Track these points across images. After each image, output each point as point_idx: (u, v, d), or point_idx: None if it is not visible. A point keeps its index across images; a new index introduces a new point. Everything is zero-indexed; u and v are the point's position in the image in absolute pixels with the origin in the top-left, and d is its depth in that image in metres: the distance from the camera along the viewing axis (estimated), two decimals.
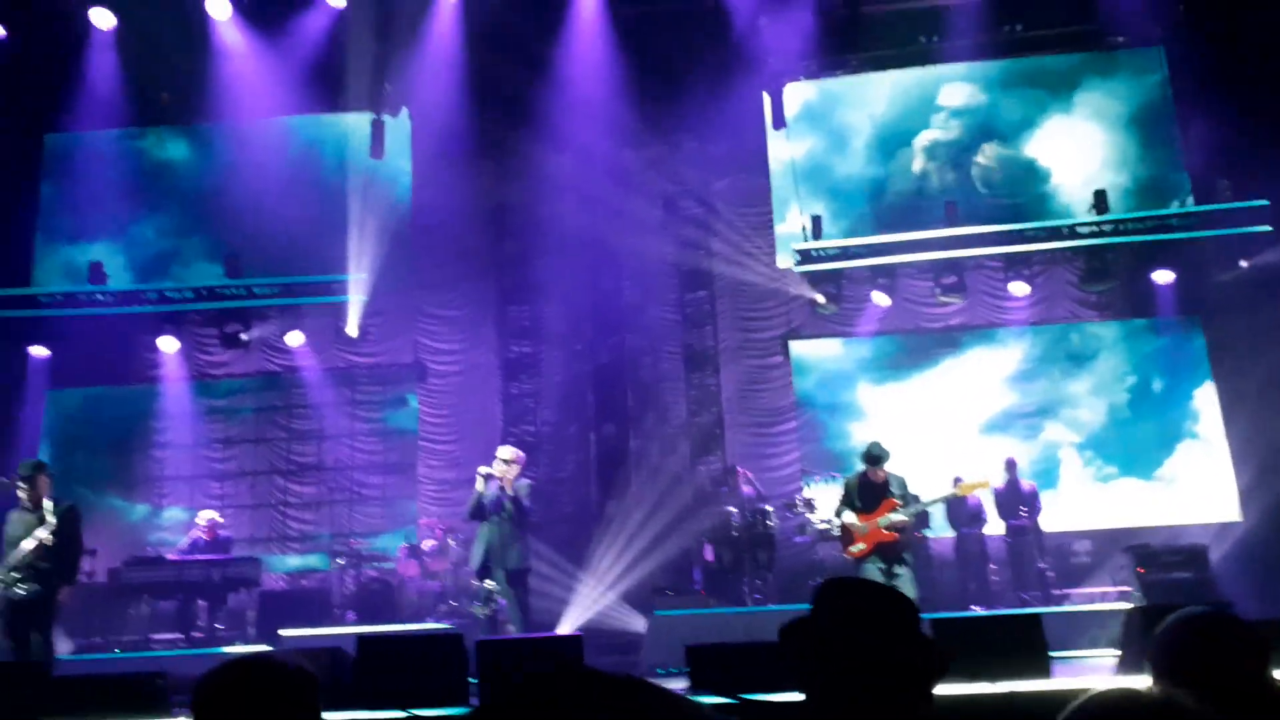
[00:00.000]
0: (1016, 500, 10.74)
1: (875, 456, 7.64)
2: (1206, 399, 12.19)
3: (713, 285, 13.22)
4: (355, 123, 13.12)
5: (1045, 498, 10.94)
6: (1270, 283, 10.83)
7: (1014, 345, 12.65)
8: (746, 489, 10.99)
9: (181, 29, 11.77)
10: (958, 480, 9.56)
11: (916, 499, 7.80)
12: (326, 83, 12.67)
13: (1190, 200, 12.02)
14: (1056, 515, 11.17)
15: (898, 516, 7.45)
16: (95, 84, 12.13)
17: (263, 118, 12.87)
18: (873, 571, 7.37)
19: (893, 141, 13.15)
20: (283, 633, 9.66)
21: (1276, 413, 10.79)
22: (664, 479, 12.18)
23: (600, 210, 12.52)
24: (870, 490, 7.63)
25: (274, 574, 12.33)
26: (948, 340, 12.77)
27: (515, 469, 8.08)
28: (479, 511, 8.09)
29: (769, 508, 10.68)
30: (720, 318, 13.17)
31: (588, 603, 10.52)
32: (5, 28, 11.65)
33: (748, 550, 10.39)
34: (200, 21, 11.62)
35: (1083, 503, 11.98)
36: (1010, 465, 10.94)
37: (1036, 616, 6.28)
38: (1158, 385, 12.43)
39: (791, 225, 12.65)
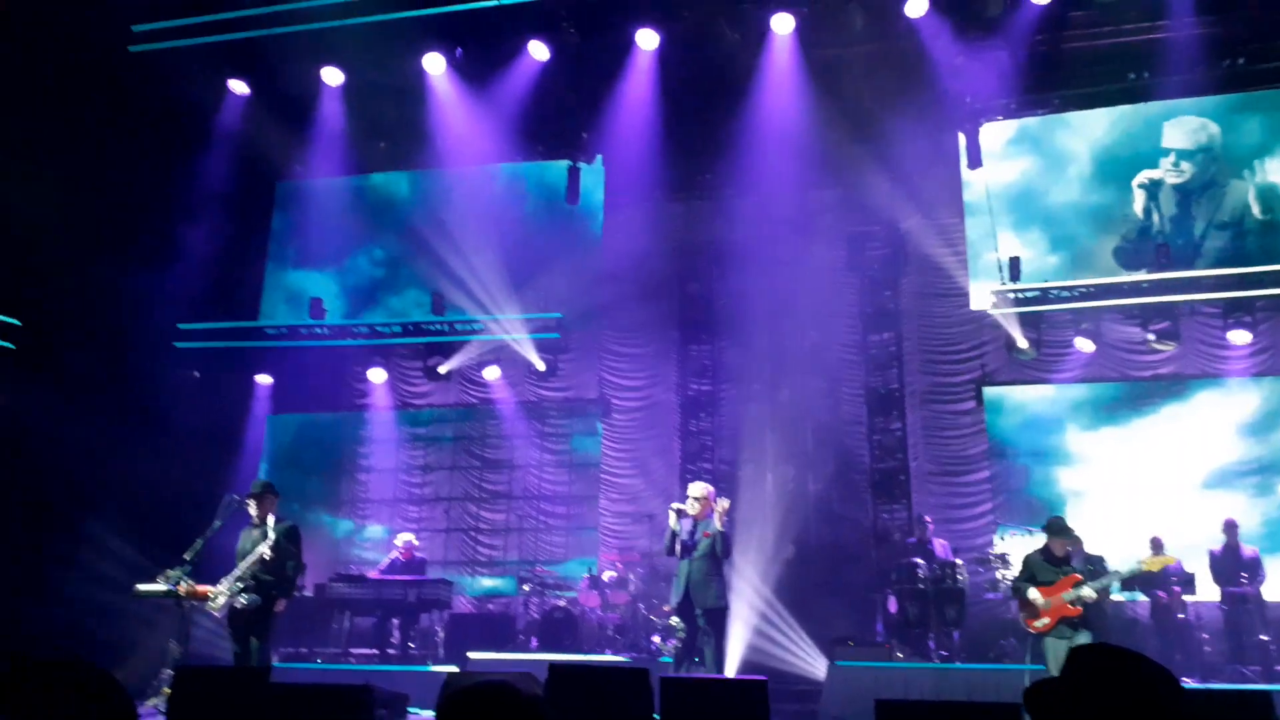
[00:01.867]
0: (1236, 565, 9.92)
1: (1058, 529, 7.69)
2: None
3: (899, 327, 12.95)
4: (553, 170, 13.72)
5: (1273, 563, 10.04)
6: None
7: (1246, 393, 11.72)
8: (938, 541, 10.61)
9: (400, 83, 12.64)
10: (1153, 549, 9.08)
11: (1103, 569, 7.85)
12: (529, 132, 13.32)
13: None
14: None
15: (1085, 591, 7.44)
16: (323, 134, 13.18)
17: (471, 165, 13.65)
18: (1055, 642, 7.38)
19: (1109, 175, 12.51)
20: (471, 655, 10.02)
21: None
22: (846, 525, 11.94)
23: (784, 251, 12.56)
24: (1052, 564, 7.65)
25: (463, 597, 12.86)
26: (1173, 386, 11.99)
27: (707, 505, 8.07)
28: (674, 548, 8.11)
29: (959, 561, 10.28)
30: (907, 360, 12.87)
31: (768, 646, 10.40)
32: (248, 84, 12.85)
33: (934, 604, 10.01)
34: (417, 75, 12.44)
35: None
36: (1230, 527, 10.15)
37: (1269, 694, 5.78)
38: None
39: (990, 267, 12.25)
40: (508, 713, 2.03)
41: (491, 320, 13.16)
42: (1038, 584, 7.64)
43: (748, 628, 10.83)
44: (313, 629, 11.21)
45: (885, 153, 12.18)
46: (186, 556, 7.82)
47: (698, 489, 8.17)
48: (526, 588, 11.91)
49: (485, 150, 13.36)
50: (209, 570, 7.97)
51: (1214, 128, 12.24)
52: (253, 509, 8.06)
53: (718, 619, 7.94)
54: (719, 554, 7.92)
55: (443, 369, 13.37)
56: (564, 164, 13.54)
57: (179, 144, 12.84)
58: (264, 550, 7.79)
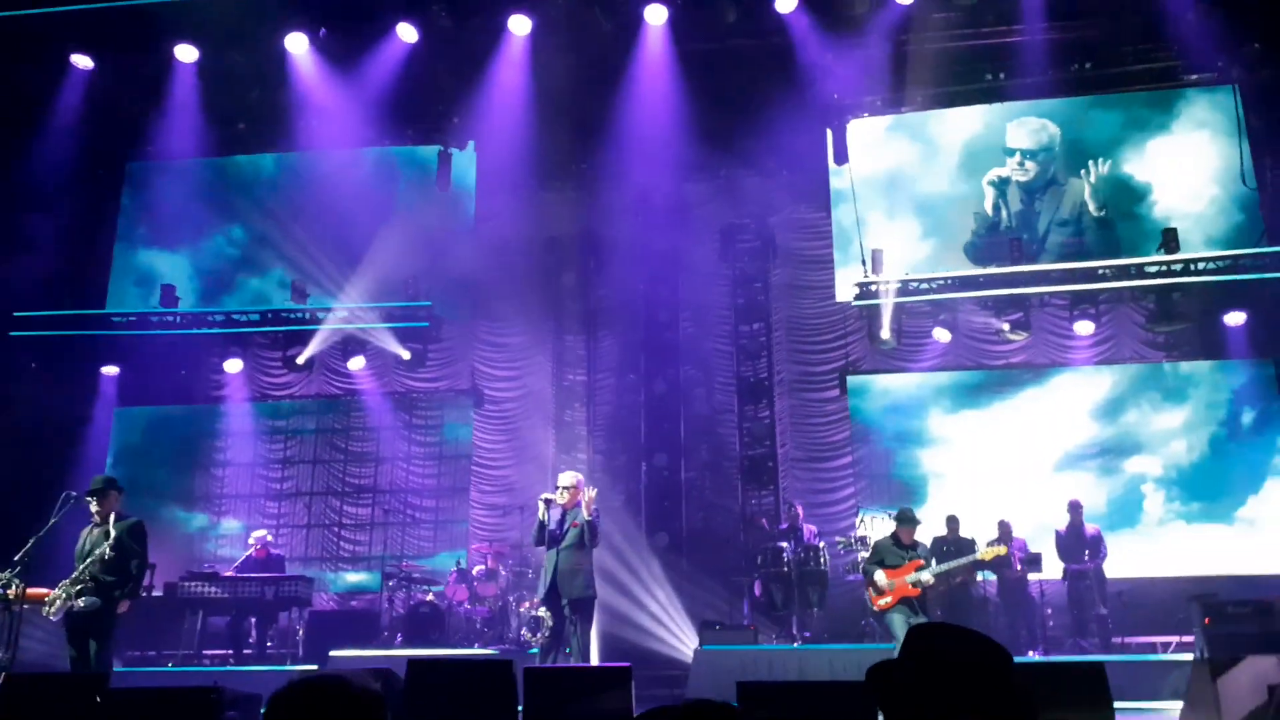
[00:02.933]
0: (1079, 544, 10.47)
1: (906, 519, 8.50)
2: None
3: (769, 317, 13.21)
4: (423, 154, 13.40)
5: (1123, 538, 10.67)
6: None
7: (1097, 379, 12.36)
8: (807, 526, 10.87)
9: (260, 62, 12.13)
10: (999, 530, 9.95)
11: (970, 551, 8.79)
12: (397, 116, 13.00)
13: (1264, 240, 11.67)
14: (1126, 559, 10.87)
15: (924, 576, 8.18)
16: (176, 113, 12.53)
17: (337, 147, 13.22)
18: (898, 619, 8.08)
19: (973, 169, 12.98)
20: (332, 653, 9.73)
21: None
22: (717, 512, 12.11)
23: (659, 242, 12.63)
24: (900, 549, 8.38)
25: (325, 594, 12.48)
26: (1028, 372, 12.56)
27: (576, 494, 8.03)
28: (542, 538, 8.04)
29: (821, 544, 10.54)
30: (776, 350, 13.12)
31: (636, 633, 10.45)
32: (93, 59, 12.11)
33: (798, 587, 10.25)
34: (278, 55, 11.96)
35: (1155, 548, 11.64)
36: (1074, 507, 10.71)
37: (1101, 665, 6.07)
38: (1241, 426, 12.01)
39: (853, 259, 12.58)
40: (337, 707, 1.95)
41: (356, 308, 12.76)
42: (885, 567, 8.31)
43: (621, 615, 10.88)
44: (163, 630, 10.74)
45: (756, 146, 12.39)
46: (16, 558, 7.31)
47: (567, 478, 8.12)
48: (392, 583, 11.62)
49: (352, 133, 12.98)
50: (50, 573, 7.50)
51: (1054, 128, 12.87)
52: (94, 506, 7.60)
53: (585, 609, 7.90)
54: (587, 543, 7.88)
55: (300, 358, 12.88)
56: (434, 149, 13.23)
57: (15, 122, 12.00)
58: (104, 549, 7.36)
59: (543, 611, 8.24)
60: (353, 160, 13.57)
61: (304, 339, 12.89)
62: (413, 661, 6.37)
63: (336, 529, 13.21)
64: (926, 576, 8.16)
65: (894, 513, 8.82)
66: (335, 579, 12.92)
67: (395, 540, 13.02)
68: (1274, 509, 11.56)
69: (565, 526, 7.92)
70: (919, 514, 8.82)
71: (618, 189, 12.64)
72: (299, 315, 12.92)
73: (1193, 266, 11.70)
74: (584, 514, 7.83)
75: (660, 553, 11.72)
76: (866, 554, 10.50)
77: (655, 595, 11.18)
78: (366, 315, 12.77)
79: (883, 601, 8.23)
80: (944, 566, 8.50)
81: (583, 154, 12.96)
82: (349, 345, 12.97)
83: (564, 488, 8.01)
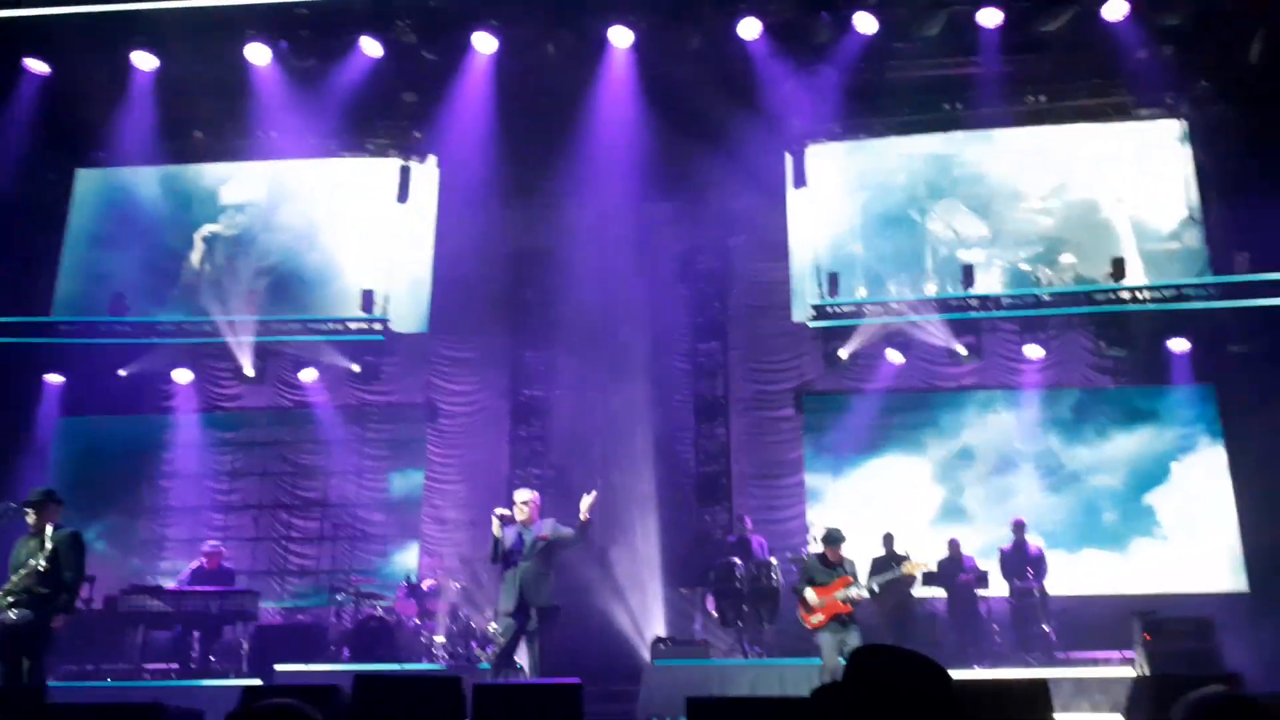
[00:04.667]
0: (1023, 562, 10.65)
1: (832, 539, 8.56)
2: (1218, 468, 12.07)
3: (726, 337, 13.30)
4: (385, 168, 13.33)
5: (1066, 556, 10.92)
6: None
7: (1029, 406, 12.57)
8: (755, 539, 10.91)
9: (220, 72, 12.02)
10: (880, 563, 9.98)
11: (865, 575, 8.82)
12: (358, 129, 12.97)
13: (1209, 271, 11.98)
14: (1064, 578, 11.04)
15: (854, 592, 8.31)
16: (132, 120, 12.37)
17: (295, 158, 13.11)
18: (827, 637, 8.23)
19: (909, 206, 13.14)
20: (278, 667, 9.56)
21: None
22: (671, 528, 12.13)
23: (618, 261, 12.66)
24: (828, 567, 8.47)
25: (271, 608, 12.27)
26: (963, 397, 12.81)
27: (534, 510, 8.01)
28: (498, 555, 7.98)
29: (774, 560, 10.59)
30: (733, 369, 13.21)
31: (588, 648, 10.38)
32: (49, 64, 11.95)
33: (750, 602, 10.27)
34: (239, 66, 11.87)
35: (1088, 566, 11.85)
36: (1018, 526, 10.90)
37: (1044, 681, 6.16)
38: (1169, 450, 12.29)
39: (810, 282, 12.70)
40: None
41: (311, 320, 12.64)
42: (815, 585, 8.41)
43: (573, 630, 10.81)
44: (103, 645, 10.42)
45: (717, 169, 12.48)
46: None
47: (524, 494, 8.12)
48: (340, 597, 11.44)
49: (312, 144, 12.92)
50: None
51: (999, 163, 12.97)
52: (31, 518, 7.43)
53: (553, 616, 7.90)
54: (569, 547, 8.00)
55: (249, 370, 12.69)
56: (396, 162, 13.19)
57: None
58: (39, 561, 7.19)
59: (494, 627, 8.17)
60: (313, 172, 13.47)
61: (258, 351, 12.72)
62: (359, 676, 6.27)
63: (284, 542, 12.99)
64: (855, 592, 8.29)
65: (821, 534, 8.85)
66: (282, 593, 12.69)
67: (344, 554, 12.82)
68: (1211, 530, 11.81)
69: (525, 542, 7.87)
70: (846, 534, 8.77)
71: (579, 207, 12.67)
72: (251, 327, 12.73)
73: (1139, 295, 11.98)
74: (582, 515, 7.82)
75: (616, 568, 11.70)
76: None
77: (607, 610, 11.12)
78: (321, 328, 12.64)
79: (814, 620, 8.33)
80: (870, 581, 8.65)
81: (545, 172, 12.97)
82: (301, 357, 12.83)
83: (523, 503, 8.00)
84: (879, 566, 9.72)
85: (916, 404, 12.89)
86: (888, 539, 10.72)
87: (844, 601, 8.25)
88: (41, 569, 7.18)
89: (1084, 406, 12.64)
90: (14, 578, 7.21)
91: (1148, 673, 8.39)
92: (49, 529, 7.34)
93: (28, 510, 7.44)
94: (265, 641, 10.48)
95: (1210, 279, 11.81)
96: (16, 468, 12.12)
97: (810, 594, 8.36)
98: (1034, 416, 12.55)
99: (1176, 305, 11.78)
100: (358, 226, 13.27)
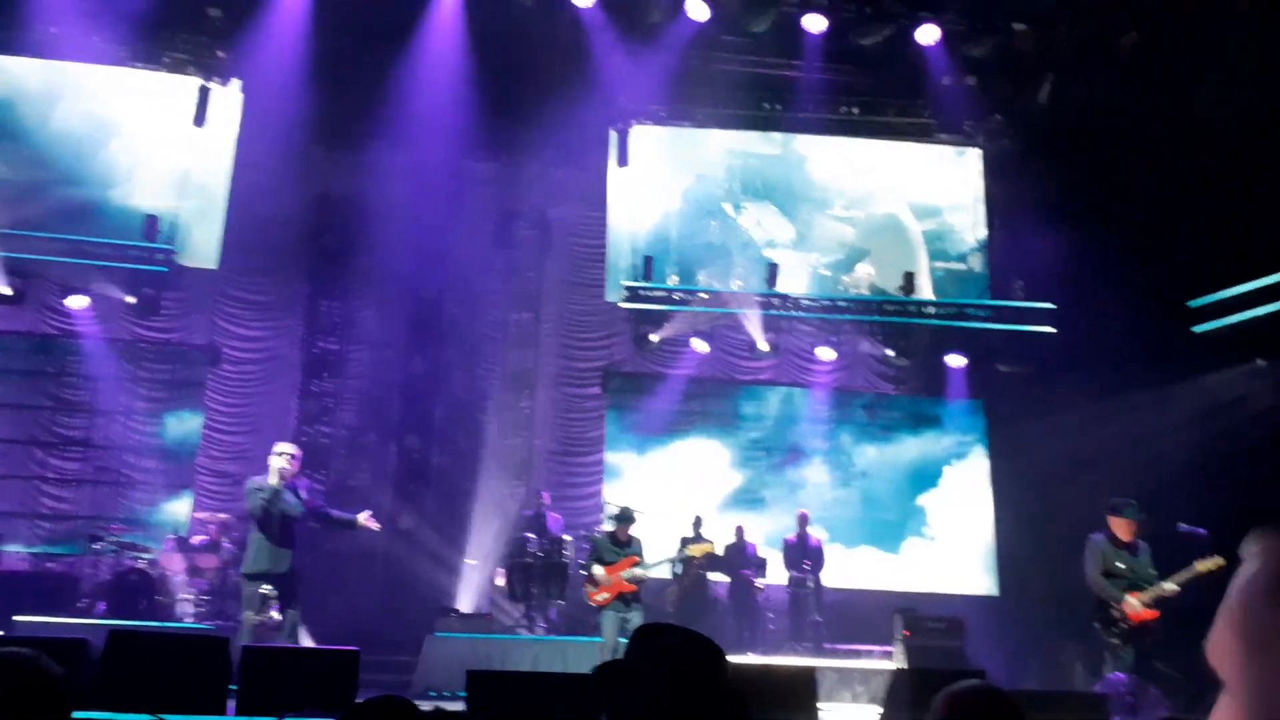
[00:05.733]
0: (803, 553, 11.20)
1: (622, 517, 8.71)
2: (982, 477, 13.18)
3: (539, 309, 13.17)
4: (183, 86, 12.28)
5: (834, 553, 11.53)
6: (1047, 378, 11.82)
7: (825, 403, 13.27)
8: (552, 515, 10.92)
9: None
10: (686, 542, 10.39)
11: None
12: (156, 38, 11.86)
13: (988, 294, 12.97)
14: (839, 572, 11.73)
15: (639, 572, 8.47)
16: None
17: (79, 60, 11.86)
18: (610, 615, 8.36)
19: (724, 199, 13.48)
20: (18, 618, 8.74)
21: (1039, 498, 11.75)
22: (468, 499, 11.93)
23: (432, 216, 12.26)
24: (616, 546, 8.59)
25: (19, 552, 11.18)
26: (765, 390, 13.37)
27: (294, 466, 7.62)
28: (263, 510, 7.53)
29: (568, 537, 10.65)
30: (544, 342, 13.12)
31: (368, 616, 10.11)
32: None
33: (540, 578, 10.30)
34: None
35: (863, 562, 12.68)
36: (802, 519, 11.43)
37: (812, 670, 6.54)
38: (944, 456, 13.30)
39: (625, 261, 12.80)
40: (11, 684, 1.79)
41: (85, 242, 11.48)
42: (604, 563, 8.50)
43: (353, 597, 10.51)
44: None
45: (541, 136, 12.27)
46: None
47: (286, 448, 7.65)
48: (98, 546, 10.53)
49: (100, 48, 11.69)
50: None
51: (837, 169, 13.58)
52: None
53: (293, 584, 7.59)
54: (293, 516, 7.54)
55: (4, 288, 11.39)
56: (195, 80, 12.19)
57: None
58: None
59: (266, 588, 7.76)
60: (99, 77, 12.21)
61: (19, 270, 11.42)
62: (114, 632, 5.91)
63: (38, 482, 11.85)
64: (640, 572, 8.46)
65: (614, 512, 9.04)
66: (32, 537, 11.55)
67: (107, 500, 11.83)
68: (970, 535, 12.90)
69: (283, 500, 7.48)
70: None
71: (394, 156, 12.10)
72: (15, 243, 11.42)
73: (925, 310, 12.82)
74: (362, 520, 7.64)
75: (404, 535, 11.41)
76: None
77: (396, 580, 10.85)
78: (96, 251, 11.52)
79: (600, 597, 8.45)
80: (654, 562, 8.85)
81: (360, 112, 12.27)
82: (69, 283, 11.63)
83: (293, 455, 7.59)
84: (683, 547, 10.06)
85: (720, 392, 13.35)
86: (697, 521, 11.07)
87: (630, 581, 8.39)
88: None
89: (876, 408, 13.50)
90: None
91: (905, 666, 9.07)
92: None
93: None
94: (7, 588, 9.62)
95: (988, 301, 12.81)
96: None
97: (598, 571, 8.47)
98: (829, 414, 13.26)
99: (957, 323, 12.71)
100: (147, 144, 12.17)
